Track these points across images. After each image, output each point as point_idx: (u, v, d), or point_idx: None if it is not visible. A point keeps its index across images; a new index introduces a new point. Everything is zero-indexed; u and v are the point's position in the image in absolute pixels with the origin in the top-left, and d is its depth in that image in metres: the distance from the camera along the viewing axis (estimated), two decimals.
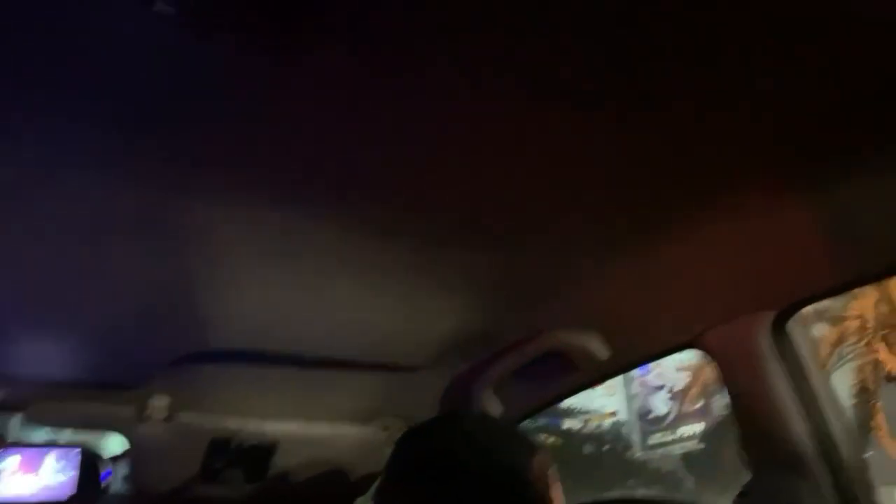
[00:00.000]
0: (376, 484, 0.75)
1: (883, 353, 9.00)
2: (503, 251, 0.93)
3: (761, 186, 0.79)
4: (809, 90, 0.65)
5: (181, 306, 0.95)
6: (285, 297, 0.98)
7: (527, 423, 1.34)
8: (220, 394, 1.21)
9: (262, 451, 1.27)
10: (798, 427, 0.93)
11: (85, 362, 1.09)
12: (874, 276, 0.93)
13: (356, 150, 0.71)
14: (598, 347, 1.09)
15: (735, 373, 1.00)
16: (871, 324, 9.28)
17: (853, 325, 9.46)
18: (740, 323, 0.98)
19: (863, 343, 9.47)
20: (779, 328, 0.97)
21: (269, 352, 1.09)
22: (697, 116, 0.68)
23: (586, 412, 16.94)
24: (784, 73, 0.63)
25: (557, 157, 0.75)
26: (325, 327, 1.06)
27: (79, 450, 1.21)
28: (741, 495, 0.94)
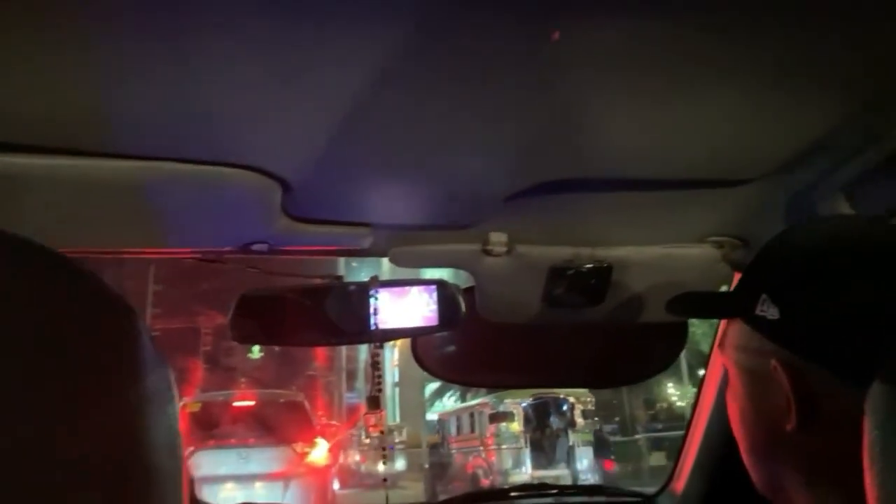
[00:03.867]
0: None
1: None
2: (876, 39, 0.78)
3: None
4: None
5: (521, 141, 0.97)
6: (614, 120, 0.95)
7: None
8: (552, 225, 1.27)
9: (599, 276, 1.32)
10: None
11: (433, 208, 1.20)
12: None
13: None
14: None
15: None
16: None
17: None
18: None
19: None
20: None
21: (592, 178, 1.10)
22: None
23: None
24: None
25: None
26: (652, 145, 1.03)
27: (436, 286, 1.36)
28: None
